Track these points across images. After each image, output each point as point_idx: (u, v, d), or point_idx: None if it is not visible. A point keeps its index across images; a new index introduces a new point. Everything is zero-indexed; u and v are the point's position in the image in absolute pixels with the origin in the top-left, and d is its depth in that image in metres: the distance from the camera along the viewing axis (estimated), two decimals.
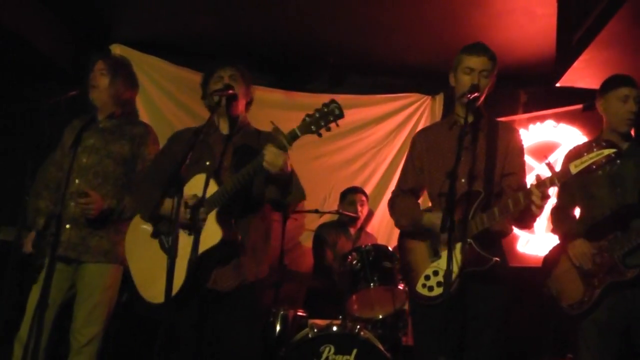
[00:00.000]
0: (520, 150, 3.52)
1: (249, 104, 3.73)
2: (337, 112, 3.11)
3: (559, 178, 3.05)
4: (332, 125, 3.15)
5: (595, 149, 3.00)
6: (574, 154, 3.78)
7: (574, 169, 3.01)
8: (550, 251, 3.90)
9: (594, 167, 2.99)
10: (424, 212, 3.43)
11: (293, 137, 3.16)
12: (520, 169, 3.49)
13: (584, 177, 3.18)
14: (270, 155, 3.13)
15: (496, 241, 3.41)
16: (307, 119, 3.13)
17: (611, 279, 3.52)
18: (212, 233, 3.19)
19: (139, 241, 3.58)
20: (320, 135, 3.16)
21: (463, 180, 3.28)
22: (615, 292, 3.54)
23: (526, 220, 3.33)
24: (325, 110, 3.12)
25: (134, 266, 3.59)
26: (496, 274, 3.24)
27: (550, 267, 3.84)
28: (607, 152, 2.97)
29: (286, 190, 3.34)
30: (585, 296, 3.60)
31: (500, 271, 3.26)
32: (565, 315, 3.71)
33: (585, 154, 3.01)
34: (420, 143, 3.64)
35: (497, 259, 3.21)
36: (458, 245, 3.15)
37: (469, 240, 3.20)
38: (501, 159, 3.42)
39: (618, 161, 3.06)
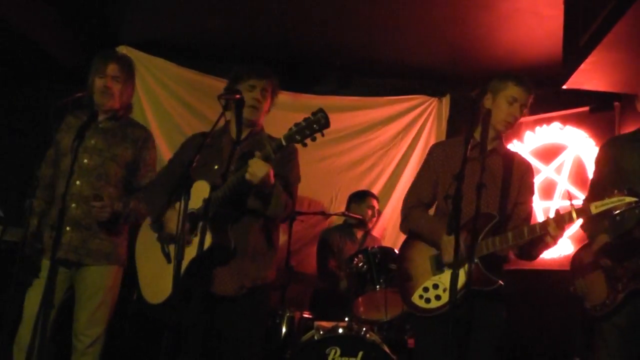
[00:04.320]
0: (532, 186, 3.56)
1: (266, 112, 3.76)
2: (322, 121, 3.11)
3: (578, 214, 3.07)
4: (323, 135, 3.16)
5: (617, 195, 3.03)
6: (610, 149, 3.81)
7: (594, 210, 3.04)
8: (578, 250, 3.88)
9: (614, 212, 3.04)
10: (444, 235, 3.30)
11: (278, 146, 3.19)
12: (530, 202, 3.54)
13: (619, 174, 3.34)
14: (254, 167, 3.15)
15: (499, 265, 3.41)
16: (293, 128, 3.15)
17: (635, 285, 3.48)
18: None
19: (147, 244, 3.62)
20: (305, 144, 3.17)
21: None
22: (638, 298, 3.50)
23: (532, 253, 3.36)
24: (312, 119, 3.13)
25: (140, 268, 3.65)
26: (498, 293, 3.24)
27: (578, 267, 3.82)
28: (628, 199, 3.01)
29: (267, 202, 3.35)
30: (608, 299, 3.57)
31: (501, 291, 3.25)
32: (589, 316, 3.70)
33: (607, 197, 3.04)
34: (438, 156, 3.61)
35: (502, 282, 3.21)
36: (465, 263, 3.10)
37: (476, 260, 3.19)
38: (515, 188, 3.45)
39: (637, 211, 3.14)
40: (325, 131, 3.17)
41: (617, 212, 3.05)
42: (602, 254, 3.63)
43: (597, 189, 3.77)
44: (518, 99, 3.40)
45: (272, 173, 3.24)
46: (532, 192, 3.55)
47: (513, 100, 3.40)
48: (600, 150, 3.91)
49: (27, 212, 3.83)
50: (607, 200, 3.03)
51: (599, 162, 3.85)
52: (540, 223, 3.13)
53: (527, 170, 3.54)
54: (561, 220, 3.07)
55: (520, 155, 3.65)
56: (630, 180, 3.57)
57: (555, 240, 3.11)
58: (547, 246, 3.22)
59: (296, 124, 3.14)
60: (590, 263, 3.74)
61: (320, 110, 3.14)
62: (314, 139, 3.16)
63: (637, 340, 3.55)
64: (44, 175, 4.00)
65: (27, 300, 3.76)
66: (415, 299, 3.38)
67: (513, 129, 3.54)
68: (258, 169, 3.15)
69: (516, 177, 3.47)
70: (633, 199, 3.01)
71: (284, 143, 3.18)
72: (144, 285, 3.57)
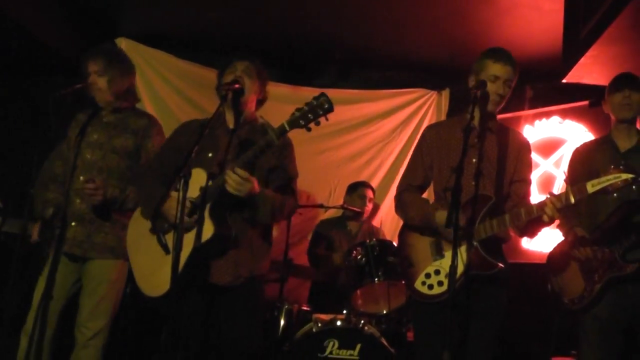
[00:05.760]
0: (530, 162, 3.55)
1: (260, 102, 3.70)
2: (326, 105, 3.06)
3: (575, 195, 3.07)
4: (327, 120, 3.12)
5: (613, 171, 3.04)
6: (582, 153, 3.86)
7: (590, 188, 3.04)
8: (555, 248, 3.92)
9: (610, 189, 3.04)
10: (436, 209, 3.36)
11: (282, 131, 3.13)
12: (528, 178, 3.52)
13: (591, 175, 3.22)
14: (232, 183, 3.11)
15: (499, 246, 3.41)
16: (296, 113, 3.09)
17: (611, 274, 3.54)
18: (205, 228, 3.16)
19: (140, 235, 3.58)
20: (309, 129, 3.12)
21: (473, 183, 3.26)
22: (616, 287, 3.56)
23: (530, 231, 3.36)
24: (315, 103, 3.07)
25: (134, 260, 3.59)
26: (498, 277, 3.24)
27: (554, 264, 3.86)
28: (625, 176, 3.01)
29: (254, 210, 3.32)
30: (585, 291, 3.62)
31: (502, 275, 3.25)
32: (567, 311, 3.74)
33: (602, 174, 3.05)
34: (431, 139, 3.59)
35: (502, 265, 3.21)
36: (464, 246, 3.14)
37: (475, 243, 3.20)
38: (511, 166, 3.44)
39: (634, 187, 3.10)
40: (323, 124, 3.15)
41: (612, 189, 3.05)
42: (577, 246, 3.68)
43: (570, 211, 3.80)
44: (500, 76, 3.37)
45: (255, 184, 3.20)
46: (529, 169, 3.53)
47: (495, 79, 3.37)
48: (574, 154, 3.99)
49: (38, 203, 3.88)
50: (603, 178, 3.03)
51: (573, 164, 3.93)
52: (537, 204, 3.14)
53: (522, 147, 3.52)
54: (558, 201, 3.08)
55: (515, 132, 3.62)
56: (608, 206, 3.67)
57: (552, 220, 3.12)
58: (545, 225, 3.22)
59: (298, 109, 3.09)
60: (565, 257, 3.78)
61: (323, 94, 3.09)
62: (317, 124, 3.11)
63: (616, 330, 3.60)
64: (59, 171, 4.03)
65: (37, 288, 3.79)
66: (418, 285, 3.37)
67: (504, 104, 3.49)
68: (238, 184, 3.11)
69: (512, 155, 3.45)
70: (629, 175, 3.01)
71: (287, 128, 3.12)
72: (140, 277, 3.51)
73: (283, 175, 3.48)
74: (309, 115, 3.08)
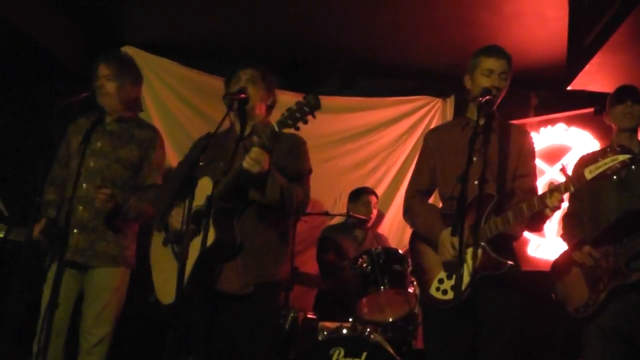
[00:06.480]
0: (532, 153, 3.53)
1: (270, 107, 3.71)
2: (312, 102, 3.06)
3: (574, 183, 3.05)
4: (314, 117, 3.12)
5: (610, 154, 3.00)
6: (588, 161, 3.86)
7: (588, 175, 3.01)
8: (559, 256, 3.92)
9: (609, 172, 2.99)
10: (442, 229, 3.34)
11: (273, 133, 3.15)
12: (532, 172, 3.50)
13: (593, 184, 3.20)
14: (248, 160, 3.12)
15: (508, 245, 3.39)
16: (285, 113, 3.11)
17: (615, 282, 3.53)
18: (208, 235, 3.17)
19: (159, 246, 3.62)
20: (297, 128, 3.12)
21: (476, 182, 3.23)
22: (620, 296, 3.55)
23: (536, 224, 3.35)
24: (302, 102, 3.08)
25: (155, 270, 3.64)
26: (510, 278, 3.21)
27: (558, 272, 3.85)
28: (622, 157, 2.98)
29: (262, 190, 3.28)
30: (590, 300, 3.62)
31: (514, 275, 3.23)
32: (571, 319, 3.73)
33: (600, 159, 3.02)
34: (433, 142, 3.62)
35: (512, 262, 3.18)
36: (469, 251, 3.12)
37: (482, 244, 3.18)
38: (514, 161, 3.43)
39: (633, 167, 3.07)
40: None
41: (611, 172, 3.00)
42: (581, 254, 3.69)
43: (573, 221, 3.88)
44: (494, 70, 3.39)
45: (266, 163, 3.19)
46: (532, 159, 3.52)
47: (489, 73, 3.39)
48: (577, 163, 3.96)
49: (37, 208, 3.84)
50: (600, 163, 3.00)
51: (578, 194, 3.86)
52: (537, 197, 3.13)
53: (524, 140, 3.51)
54: (557, 191, 3.06)
55: (515, 127, 3.61)
56: (610, 213, 3.69)
57: (553, 211, 3.09)
58: (547, 217, 3.22)
59: (288, 109, 3.10)
60: (568, 266, 3.78)
61: (310, 94, 3.10)
62: (305, 122, 3.10)
63: (619, 339, 3.59)
64: (57, 174, 4.05)
65: (44, 296, 3.80)
66: (433, 291, 3.37)
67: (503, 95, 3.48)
68: (258, 155, 3.12)
69: (514, 151, 3.44)
70: (626, 156, 2.98)
71: (276, 129, 3.14)
72: (158, 287, 3.55)
73: (291, 173, 3.47)
74: (297, 114, 3.08)
